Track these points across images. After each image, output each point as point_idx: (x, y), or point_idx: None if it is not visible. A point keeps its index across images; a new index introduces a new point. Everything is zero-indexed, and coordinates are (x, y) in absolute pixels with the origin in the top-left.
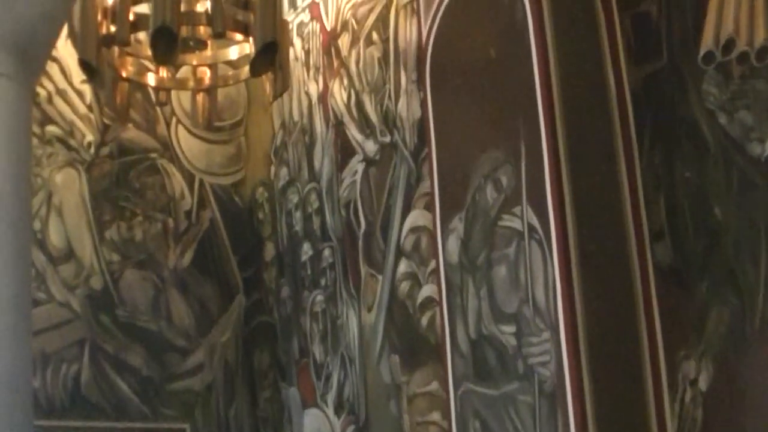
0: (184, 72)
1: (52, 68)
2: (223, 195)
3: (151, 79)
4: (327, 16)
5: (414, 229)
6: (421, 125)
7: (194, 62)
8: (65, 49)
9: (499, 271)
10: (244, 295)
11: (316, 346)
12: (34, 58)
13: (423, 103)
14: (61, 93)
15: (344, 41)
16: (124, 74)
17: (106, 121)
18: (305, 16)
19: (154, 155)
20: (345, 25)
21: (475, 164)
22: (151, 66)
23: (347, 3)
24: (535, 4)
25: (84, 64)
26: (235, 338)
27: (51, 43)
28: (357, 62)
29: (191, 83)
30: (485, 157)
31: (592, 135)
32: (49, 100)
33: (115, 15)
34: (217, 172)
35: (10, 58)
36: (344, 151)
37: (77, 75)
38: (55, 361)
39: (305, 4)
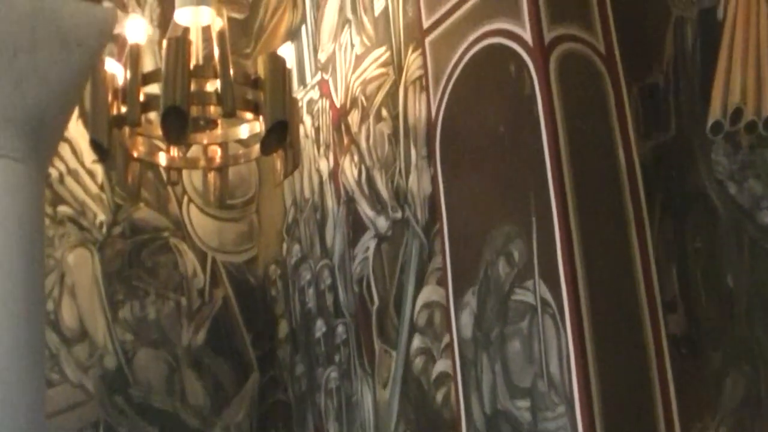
0: (194, 151)
1: (64, 149)
2: (235, 273)
3: (162, 159)
4: (336, 93)
5: (427, 305)
6: (432, 201)
7: (205, 141)
8: (76, 130)
9: (513, 346)
10: (258, 373)
11: (331, 424)
12: (46, 141)
13: (433, 179)
14: (72, 173)
15: (354, 118)
16: (135, 154)
17: (118, 200)
18: (315, 94)
19: (166, 234)
20: (354, 102)
21: (487, 239)
22: (162, 145)
23: (356, 80)
24: (543, 78)
25: (95, 145)
26: (250, 417)
27: (63, 126)
28: (367, 138)
29: (202, 162)
30: (497, 232)
31: (602, 207)
32: (61, 180)
33: (126, 95)
34: (230, 250)
35: (22, 142)
36: (356, 227)
37: (88, 155)
38: None
39: (314, 81)
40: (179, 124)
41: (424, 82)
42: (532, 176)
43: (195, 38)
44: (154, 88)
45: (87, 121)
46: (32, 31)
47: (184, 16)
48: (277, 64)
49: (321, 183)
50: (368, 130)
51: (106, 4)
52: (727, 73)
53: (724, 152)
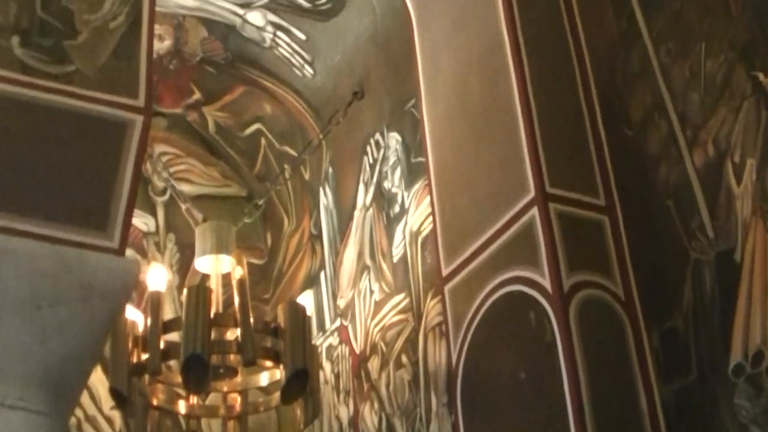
0: (214, 398)
1: (82, 395)
2: None
3: (181, 407)
4: (356, 339)
5: None
6: None
7: (225, 389)
8: (95, 376)
9: None
10: None
11: None
12: (67, 393)
13: (455, 426)
14: (90, 419)
15: (374, 364)
16: (154, 402)
17: None
18: (334, 340)
19: None
20: (374, 348)
21: None
22: (181, 392)
23: (376, 326)
24: (563, 325)
25: (115, 393)
26: None
27: (85, 378)
28: (387, 385)
29: (222, 410)
30: None
31: None
32: (79, 427)
33: (146, 343)
34: None
35: (44, 395)
36: None
37: (107, 401)
38: None
39: (334, 327)
40: (200, 373)
41: (444, 329)
42: (554, 424)
43: (215, 286)
44: (174, 336)
45: (106, 367)
46: (55, 285)
47: (204, 264)
48: (297, 313)
49: (341, 430)
50: (388, 376)
51: (129, 256)
52: (747, 315)
53: (746, 395)
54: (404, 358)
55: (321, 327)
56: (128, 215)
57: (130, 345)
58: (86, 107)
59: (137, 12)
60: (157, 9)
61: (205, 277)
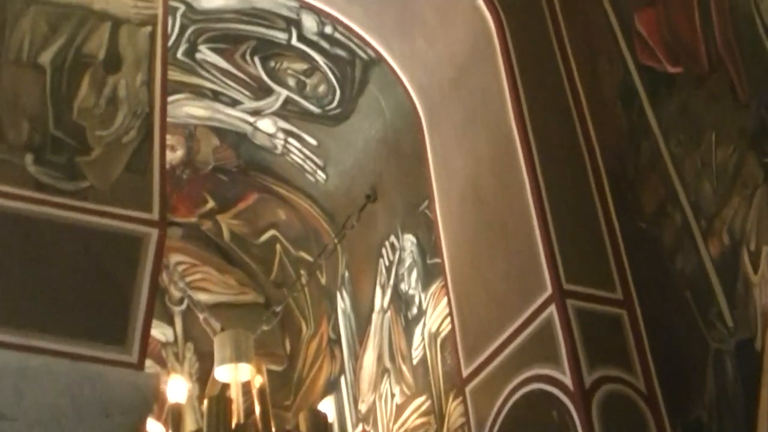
0: None
1: None
2: None
3: None
4: None
5: None
6: None
7: None
8: None
9: None
10: None
11: None
12: None
13: None
14: None
15: None
16: None
17: None
18: None
19: None
20: None
21: None
22: None
23: (398, 429)
24: (586, 423)
25: None
26: None
27: None
28: None
29: None
30: None
31: None
32: None
33: None
34: None
35: None
36: None
37: None
38: None
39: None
40: None
41: (466, 431)
42: None
43: (235, 395)
44: None
45: None
46: (75, 401)
47: (223, 373)
48: (318, 421)
49: None
50: None
51: (148, 370)
52: None
53: None
54: None
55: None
56: (146, 329)
57: None
58: (101, 223)
59: (149, 125)
60: (169, 120)
61: (225, 386)
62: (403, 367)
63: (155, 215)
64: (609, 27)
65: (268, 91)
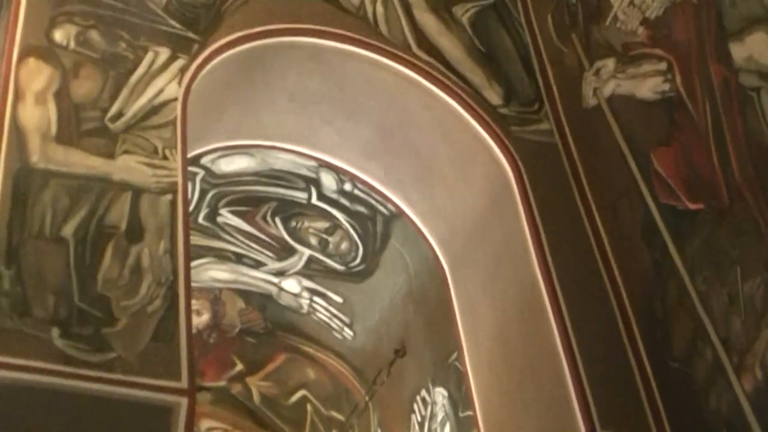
0: None
1: None
2: None
3: None
4: None
5: None
6: None
7: None
8: None
9: None
10: None
11: None
12: None
13: None
14: None
15: None
16: None
17: None
18: None
19: None
20: None
21: None
22: None
23: None
24: None
25: None
26: None
27: None
28: None
29: None
30: None
31: None
32: None
33: None
34: None
35: None
36: None
37: None
38: None
39: None
40: None
41: None
42: None
43: None
44: None
45: None
46: None
47: None
48: None
49: None
50: None
51: None
52: None
53: None
54: None
55: None
56: None
57: None
58: (129, 393)
59: (174, 293)
60: (193, 284)
61: None
62: None
63: (184, 383)
64: (627, 167)
65: (291, 251)
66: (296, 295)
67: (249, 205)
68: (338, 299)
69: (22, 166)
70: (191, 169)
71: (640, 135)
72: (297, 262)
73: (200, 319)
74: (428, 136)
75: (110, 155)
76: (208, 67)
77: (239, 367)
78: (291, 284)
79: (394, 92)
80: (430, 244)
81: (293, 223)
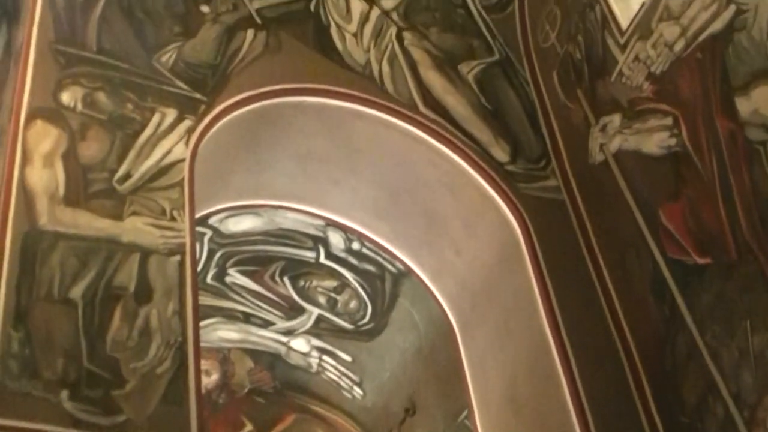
0: None
1: None
2: None
3: None
4: None
5: None
6: None
7: None
8: None
9: None
10: None
11: None
12: None
13: None
14: None
15: None
16: None
17: None
18: None
19: None
20: None
21: None
22: None
23: None
24: None
25: None
26: None
27: None
28: None
29: None
30: None
31: None
32: None
33: None
34: None
35: None
36: None
37: None
38: None
39: None
40: None
41: None
42: None
43: None
44: None
45: None
46: None
47: None
48: None
49: None
50: None
51: None
52: None
53: None
54: None
55: None
56: None
57: None
58: None
59: (183, 354)
60: (202, 344)
61: None
62: None
63: None
64: (635, 222)
65: (299, 311)
66: (305, 354)
67: (257, 264)
68: (347, 358)
69: (30, 229)
70: (199, 229)
71: (648, 190)
72: (306, 321)
73: (209, 379)
74: (436, 194)
75: (118, 217)
76: (216, 127)
77: (249, 427)
78: (300, 343)
79: (401, 151)
80: (438, 302)
81: (302, 282)
